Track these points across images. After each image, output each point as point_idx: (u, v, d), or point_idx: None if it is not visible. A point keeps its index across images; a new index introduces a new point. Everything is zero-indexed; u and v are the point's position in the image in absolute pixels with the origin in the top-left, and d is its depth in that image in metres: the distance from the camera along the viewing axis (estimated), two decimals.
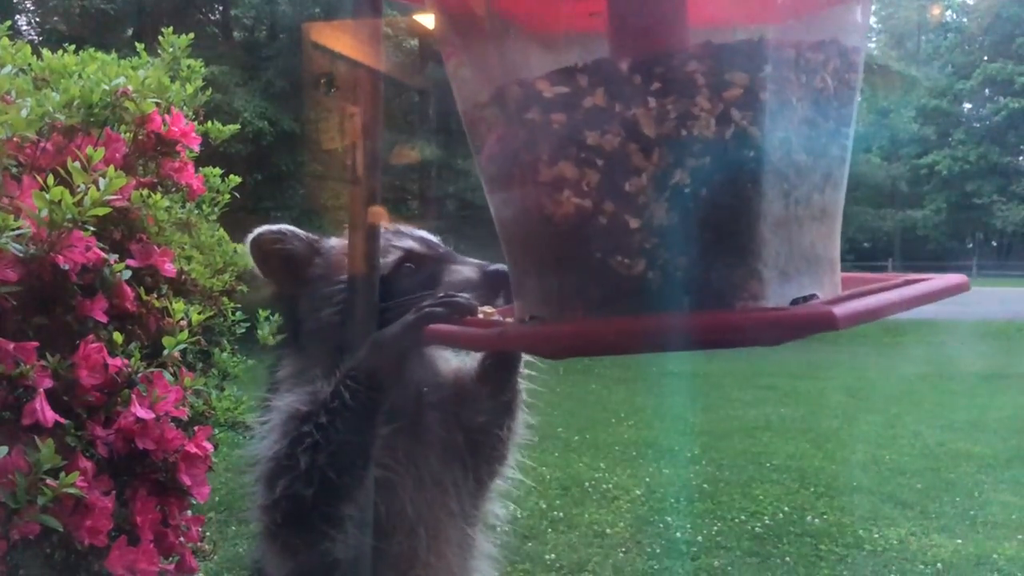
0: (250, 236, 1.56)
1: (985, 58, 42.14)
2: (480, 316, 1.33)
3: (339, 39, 1.42)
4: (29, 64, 2.40)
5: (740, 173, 0.95)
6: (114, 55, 2.55)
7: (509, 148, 1.05)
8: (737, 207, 0.95)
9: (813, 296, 0.99)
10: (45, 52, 2.47)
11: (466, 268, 1.55)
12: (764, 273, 0.96)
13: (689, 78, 0.94)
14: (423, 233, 1.66)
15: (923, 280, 1.08)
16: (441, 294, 1.37)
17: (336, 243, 1.61)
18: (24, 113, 1.82)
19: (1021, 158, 38.43)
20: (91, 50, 2.62)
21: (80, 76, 2.23)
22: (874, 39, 46.50)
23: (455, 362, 1.64)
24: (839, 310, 0.86)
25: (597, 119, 0.96)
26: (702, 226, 0.95)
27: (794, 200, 0.99)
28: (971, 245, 45.02)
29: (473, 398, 1.58)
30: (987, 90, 41.63)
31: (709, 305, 0.95)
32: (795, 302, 0.97)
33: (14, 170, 1.86)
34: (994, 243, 46.59)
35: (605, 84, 0.95)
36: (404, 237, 1.61)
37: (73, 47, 2.61)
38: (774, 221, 0.97)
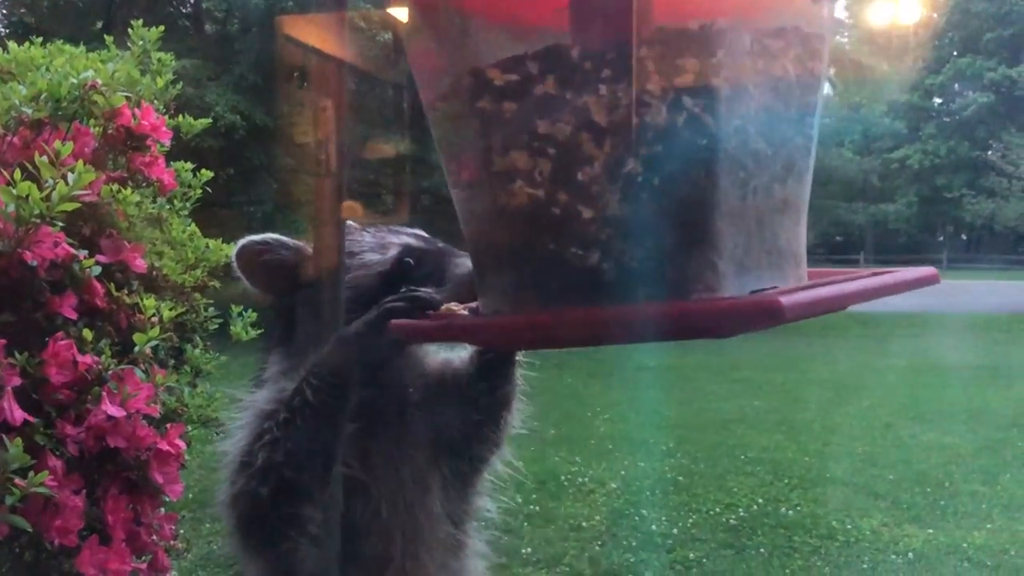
0: (235, 248, 1.52)
1: (955, 53, 42.60)
2: (444, 310, 1.32)
3: (309, 32, 1.40)
4: None
5: (693, 162, 0.93)
6: (82, 48, 2.51)
7: (464, 140, 1.04)
8: (691, 197, 0.94)
9: (773, 288, 0.97)
10: (11, 45, 2.43)
11: (469, 260, 1.54)
12: (720, 265, 0.94)
13: (640, 64, 0.92)
14: (418, 230, 1.63)
15: (890, 272, 1.08)
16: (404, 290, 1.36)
17: None
18: None
19: (990, 152, 38.85)
20: (59, 43, 2.58)
21: (47, 69, 2.20)
22: (846, 34, 46.85)
23: (442, 356, 1.61)
24: (787, 300, 0.84)
25: (548, 107, 0.94)
26: (656, 216, 0.94)
27: (752, 190, 0.97)
28: (942, 238, 45.53)
29: (464, 392, 1.56)
30: (956, 85, 42.08)
31: (664, 296, 0.94)
32: (754, 294, 0.96)
33: None
34: (964, 236, 47.16)
35: (556, 71, 0.94)
36: (400, 234, 1.59)
37: (40, 40, 2.56)
38: (730, 212, 0.95)
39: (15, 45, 2.46)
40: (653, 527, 5.40)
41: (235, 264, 1.51)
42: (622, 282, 0.94)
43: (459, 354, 1.61)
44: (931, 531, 5.31)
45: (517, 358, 1.60)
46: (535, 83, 0.95)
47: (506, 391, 1.58)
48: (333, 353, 1.32)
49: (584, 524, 5.37)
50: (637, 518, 5.56)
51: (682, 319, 0.91)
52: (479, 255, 1.13)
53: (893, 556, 4.94)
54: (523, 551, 4.76)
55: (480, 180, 1.03)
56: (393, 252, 1.52)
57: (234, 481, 1.35)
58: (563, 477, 6.31)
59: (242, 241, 1.52)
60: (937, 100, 43.34)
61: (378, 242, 1.54)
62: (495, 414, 1.57)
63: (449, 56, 1.04)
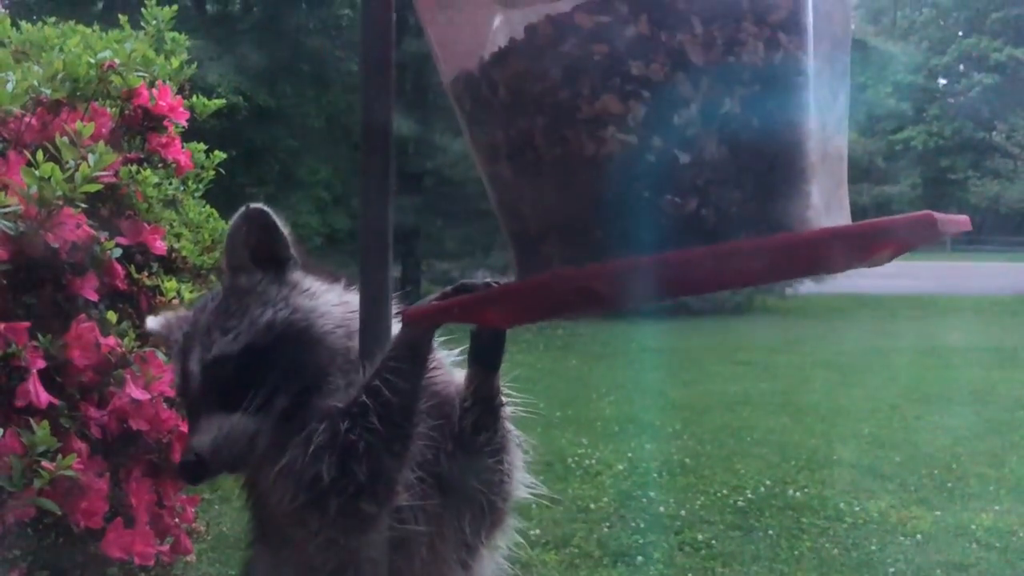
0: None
1: (960, 34, 42.39)
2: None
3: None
4: (8, 37, 2.35)
5: (792, 99, 0.92)
6: (96, 27, 2.49)
7: (532, 93, 0.98)
8: (789, 135, 0.92)
9: None
10: (24, 24, 2.41)
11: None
12: (817, 205, 0.93)
13: (734, 2, 0.90)
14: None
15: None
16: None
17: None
18: (9, 87, 1.77)
19: (995, 133, 38.75)
20: (71, 22, 2.56)
21: (61, 49, 2.18)
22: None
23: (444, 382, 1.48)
24: (938, 215, 0.83)
25: (641, 48, 0.91)
26: (756, 158, 0.91)
27: (826, 135, 0.97)
28: None
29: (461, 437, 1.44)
30: (962, 66, 41.89)
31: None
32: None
33: None
34: (969, 218, 46.96)
35: (648, 11, 0.91)
36: (175, 361, 1.36)
37: (53, 19, 2.55)
38: (819, 153, 0.94)
39: (28, 25, 2.44)
40: (661, 509, 5.41)
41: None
42: (722, 229, 0.91)
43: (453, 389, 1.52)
44: (938, 513, 5.32)
45: (504, 408, 1.46)
46: (627, 24, 0.91)
47: (498, 438, 1.46)
48: (406, 331, 1.29)
49: (592, 505, 5.38)
50: (644, 500, 5.57)
51: (818, 245, 0.89)
52: (527, 217, 1.07)
53: (901, 538, 4.95)
54: (532, 532, 4.78)
55: (555, 133, 0.97)
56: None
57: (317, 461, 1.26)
58: (570, 459, 6.32)
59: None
60: (942, 81, 43.17)
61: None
62: (493, 461, 1.50)
63: (503, 12, 1.00)
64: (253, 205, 1.35)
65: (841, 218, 1.01)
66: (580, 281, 0.96)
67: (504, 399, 1.47)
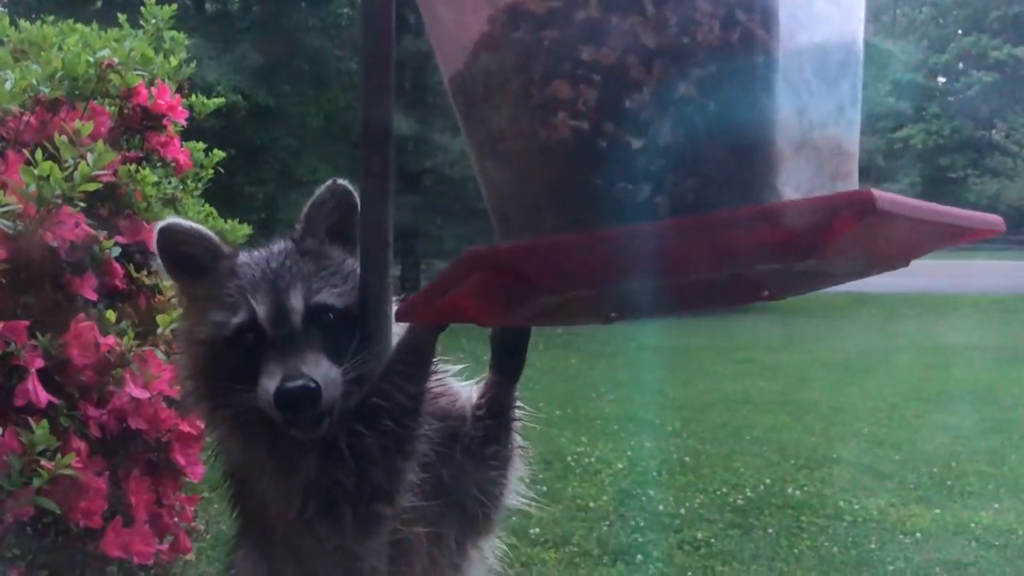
0: (158, 224, 1.38)
1: (959, 32, 42.38)
2: None
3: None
4: (7, 35, 2.35)
5: (752, 80, 0.87)
6: (95, 26, 2.49)
7: (496, 84, 0.96)
8: (751, 119, 0.87)
9: None
10: (23, 23, 2.41)
11: (272, 380, 1.27)
12: (785, 193, 0.88)
13: None
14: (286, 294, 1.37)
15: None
16: None
17: (239, 262, 1.39)
18: (8, 86, 1.77)
19: (994, 132, 38.76)
20: (70, 21, 2.56)
21: (60, 48, 2.18)
22: None
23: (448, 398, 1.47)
24: (877, 193, 0.76)
25: (592, 32, 0.88)
26: (713, 143, 0.87)
27: (810, 124, 0.91)
28: None
29: (466, 446, 1.44)
30: (961, 64, 41.89)
31: None
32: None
33: None
34: None
35: None
36: (261, 293, 1.33)
37: (52, 18, 2.55)
38: (793, 143, 0.89)
39: (27, 23, 2.44)
40: (660, 507, 5.41)
41: (154, 238, 1.36)
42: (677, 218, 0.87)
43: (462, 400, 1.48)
44: (938, 511, 5.31)
45: (516, 415, 1.48)
46: (578, 8, 0.89)
47: (506, 451, 1.47)
48: (413, 333, 1.30)
49: (591, 504, 5.38)
50: (644, 498, 5.57)
51: (771, 216, 0.83)
52: (507, 212, 1.05)
53: (900, 536, 4.95)
54: (531, 531, 4.77)
55: (515, 119, 0.95)
56: (240, 318, 1.32)
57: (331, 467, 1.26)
58: (569, 457, 6.31)
59: (167, 221, 1.39)
60: (942, 79, 43.16)
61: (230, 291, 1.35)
62: (497, 474, 1.47)
63: (473, 5, 0.97)
64: (340, 181, 1.36)
65: None
66: (494, 259, 0.94)
67: (518, 412, 1.48)
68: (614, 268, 0.93)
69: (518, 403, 1.48)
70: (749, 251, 0.88)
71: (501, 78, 0.95)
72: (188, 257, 1.38)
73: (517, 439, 1.50)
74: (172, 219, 1.43)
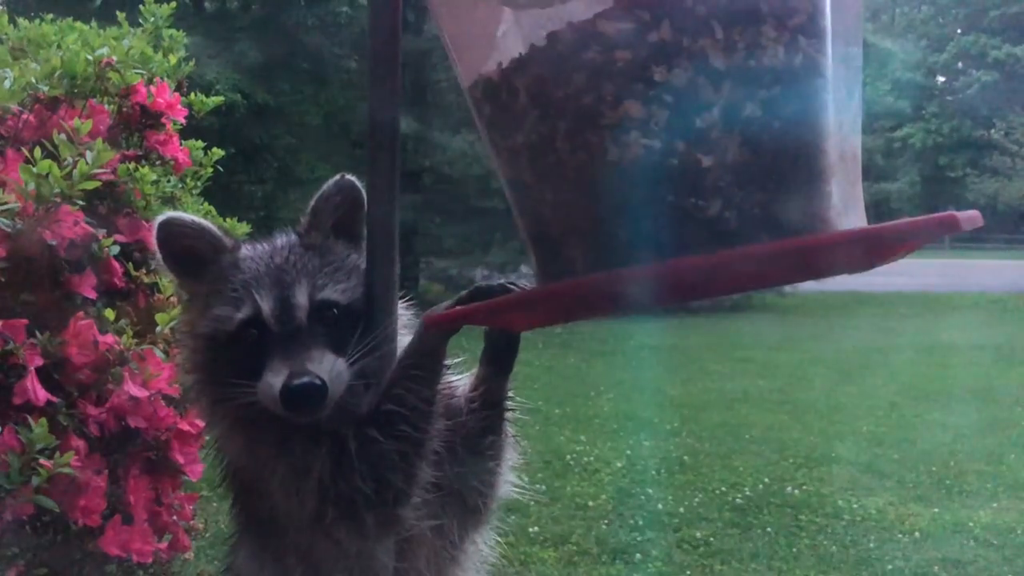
0: (157, 218, 1.38)
1: (959, 31, 42.38)
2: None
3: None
4: (6, 33, 2.35)
5: (811, 101, 0.93)
6: (94, 24, 2.49)
7: (554, 99, 1.00)
8: (809, 136, 0.93)
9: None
10: (22, 21, 2.41)
11: (278, 376, 1.26)
12: (836, 204, 0.94)
13: (754, 6, 0.92)
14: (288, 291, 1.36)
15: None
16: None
17: (241, 256, 1.39)
18: (7, 84, 1.77)
19: (993, 131, 38.77)
20: (69, 19, 2.56)
21: (59, 46, 2.18)
22: None
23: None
24: (961, 216, 0.85)
25: (663, 54, 0.92)
26: (777, 159, 0.93)
27: (842, 135, 0.98)
28: None
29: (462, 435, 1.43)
30: (960, 63, 41.89)
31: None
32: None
33: None
34: None
35: (669, 17, 0.92)
36: (265, 288, 1.33)
37: (51, 16, 2.54)
38: (837, 153, 0.96)
39: (25, 21, 2.44)
40: (659, 506, 5.41)
41: (154, 233, 1.35)
42: (744, 230, 0.92)
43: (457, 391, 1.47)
44: (936, 510, 5.32)
45: (509, 402, 1.48)
46: (649, 30, 0.93)
47: (501, 440, 1.47)
48: (424, 340, 1.30)
49: (590, 503, 5.38)
50: (643, 497, 5.57)
51: (834, 248, 0.91)
52: (553, 221, 1.08)
53: (899, 535, 4.95)
54: (530, 530, 4.78)
55: (579, 137, 0.99)
56: (244, 313, 1.31)
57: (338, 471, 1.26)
58: (569, 456, 6.31)
59: (167, 215, 1.39)
60: (941, 78, 43.17)
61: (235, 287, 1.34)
62: (493, 464, 1.46)
63: (522, 19, 1.01)
64: (348, 176, 1.36)
65: (856, 217, 1.02)
66: (606, 286, 0.98)
67: (511, 403, 1.48)
68: (701, 287, 1.05)
69: (511, 395, 1.48)
70: (818, 269, 1.00)
71: (562, 94, 0.98)
72: (189, 251, 1.37)
73: (510, 429, 1.50)
74: (172, 213, 1.43)
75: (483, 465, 1.45)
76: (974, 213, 1.00)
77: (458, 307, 1.28)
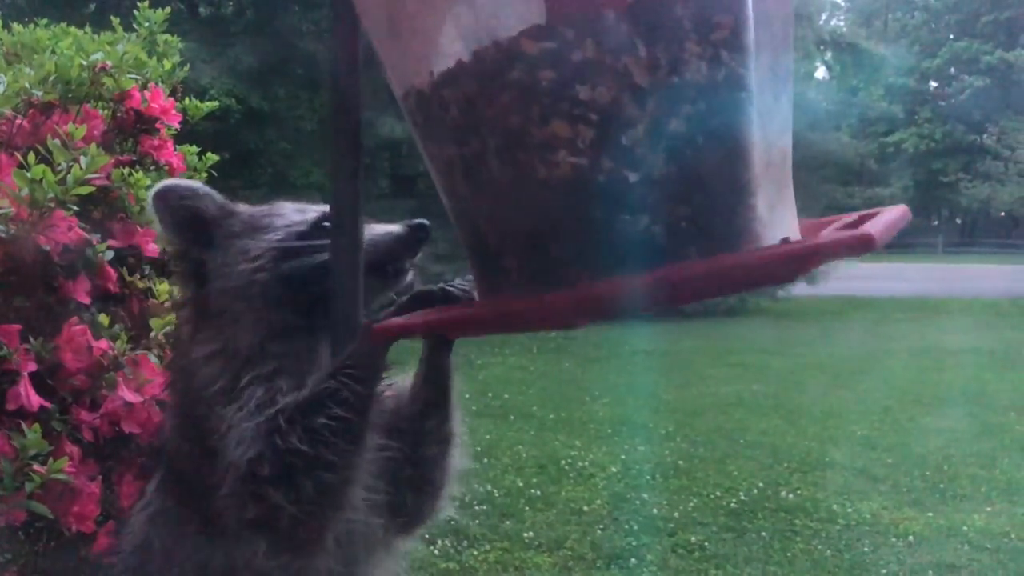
0: (154, 188, 1.38)
1: (951, 36, 42.55)
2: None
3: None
4: (0, 39, 2.34)
5: (735, 115, 0.95)
6: (88, 30, 2.49)
7: (483, 116, 1.00)
8: (734, 150, 0.95)
9: (786, 240, 0.99)
10: (16, 26, 2.41)
11: (391, 227, 1.42)
12: (762, 216, 0.96)
13: (677, 22, 0.93)
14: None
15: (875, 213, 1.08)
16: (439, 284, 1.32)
17: (250, 209, 1.46)
18: (1, 89, 1.77)
19: (986, 136, 38.92)
20: (63, 24, 2.55)
21: (53, 51, 2.18)
22: (842, 17, 46.85)
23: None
24: (872, 229, 0.86)
25: (588, 73, 0.93)
26: (701, 173, 0.94)
27: (769, 143, 0.99)
28: (937, 223, 45.62)
29: (408, 430, 1.40)
30: (953, 68, 42.04)
31: (714, 253, 0.94)
32: (787, 242, 0.99)
33: None
34: (959, 221, 47.26)
35: (593, 36, 0.93)
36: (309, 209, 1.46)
37: (45, 21, 2.54)
38: (763, 163, 0.97)
39: (20, 27, 2.43)
40: (654, 511, 5.42)
41: (152, 205, 1.36)
42: (673, 244, 0.94)
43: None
44: (930, 514, 5.34)
45: (454, 399, 1.44)
46: (573, 49, 0.93)
47: (447, 432, 1.43)
48: (364, 344, 1.24)
49: (585, 508, 5.38)
50: (638, 502, 5.58)
51: (755, 268, 0.93)
52: (486, 243, 1.07)
53: (893, 539, 4.97)
54: (525, 535, 4.78)
55: (508, 155, 0.99)
56: (313, 214, 1.42)
57: (257, 481, 1.20)
58: (563, 461, 6.31)
59: (164, 183, 1.40)
60: (933, 84, 43.33)
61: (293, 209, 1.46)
62: (437, 445, 1.42)
63: (451, 33, 1.01)
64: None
65: (787, 216, 1.04)
66: (564, 306, 1.01)
67: (455, 393, 1.42)
68: (621, 307, 1.03)
69: (454, 377, 1.42)
70: (754, 282, 1.01)
71: (490, 112, 0.99)
72: (195, 214, 1.37)
73: (457, 429, 1.45)
74: (168, 180, 1.42)
75: (426, 451, 1.40)
76: (898, 209, 1.05)
77: (400, 319, 1.25)
